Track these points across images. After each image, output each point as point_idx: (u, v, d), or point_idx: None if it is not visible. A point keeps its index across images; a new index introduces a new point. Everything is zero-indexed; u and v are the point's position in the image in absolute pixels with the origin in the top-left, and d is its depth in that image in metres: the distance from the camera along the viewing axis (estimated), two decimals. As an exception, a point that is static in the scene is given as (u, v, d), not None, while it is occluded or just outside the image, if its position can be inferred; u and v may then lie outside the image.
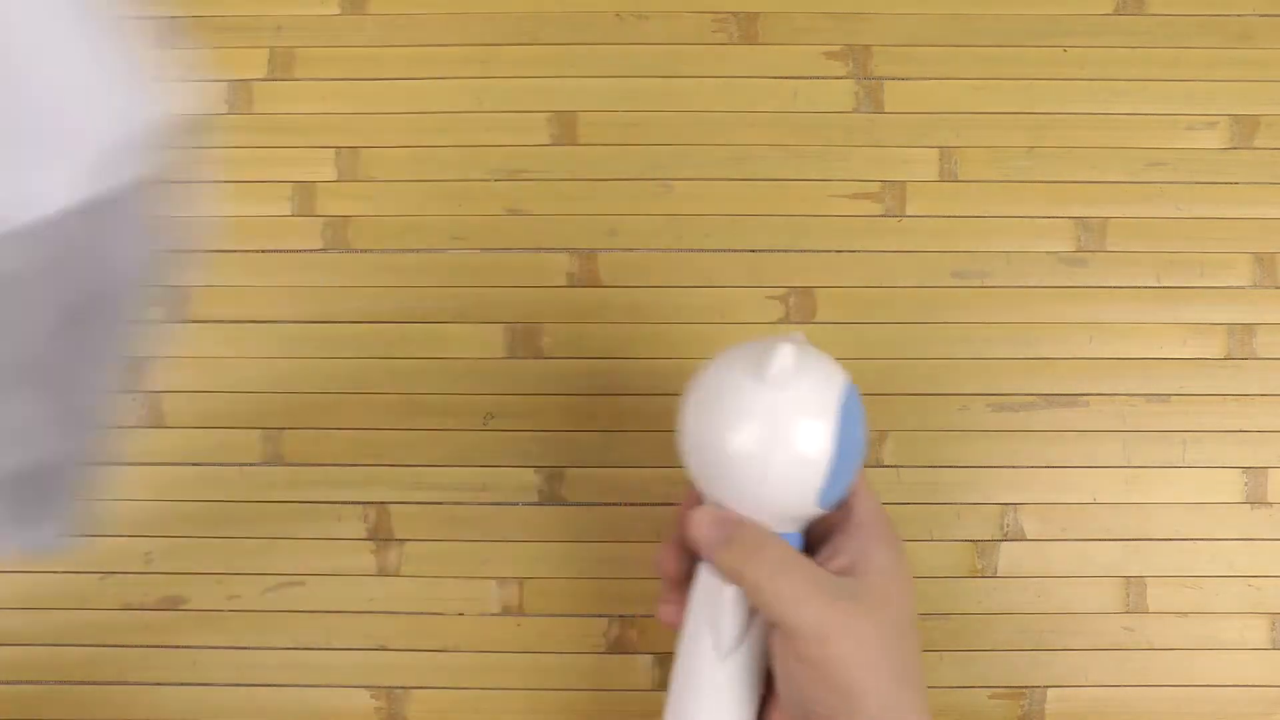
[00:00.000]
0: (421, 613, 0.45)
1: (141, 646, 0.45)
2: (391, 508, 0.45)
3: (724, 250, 0.46)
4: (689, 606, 0.36)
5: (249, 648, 0.45)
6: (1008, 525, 0.45)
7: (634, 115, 0.47)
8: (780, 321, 0.46)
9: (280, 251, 0.47)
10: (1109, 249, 0.46)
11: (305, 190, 0.47)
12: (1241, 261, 0.46)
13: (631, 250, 0.46)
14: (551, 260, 0.46)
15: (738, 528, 0.34)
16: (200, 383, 0.46)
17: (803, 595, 0.32)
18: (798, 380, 0.33)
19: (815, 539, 0.36)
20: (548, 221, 0.47)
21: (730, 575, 0.34)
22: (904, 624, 0.34)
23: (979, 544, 0.45)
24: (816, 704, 0.33)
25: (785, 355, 0.32)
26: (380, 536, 0.45)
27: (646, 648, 0.45)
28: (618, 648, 0.45)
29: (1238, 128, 0.47)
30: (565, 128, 0.47)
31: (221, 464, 0.46)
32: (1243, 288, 0.46)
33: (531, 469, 0.46)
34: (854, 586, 0.33)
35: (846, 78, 0.47)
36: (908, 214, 0.47)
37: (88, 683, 0.45)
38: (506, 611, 0.45)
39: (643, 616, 0.45)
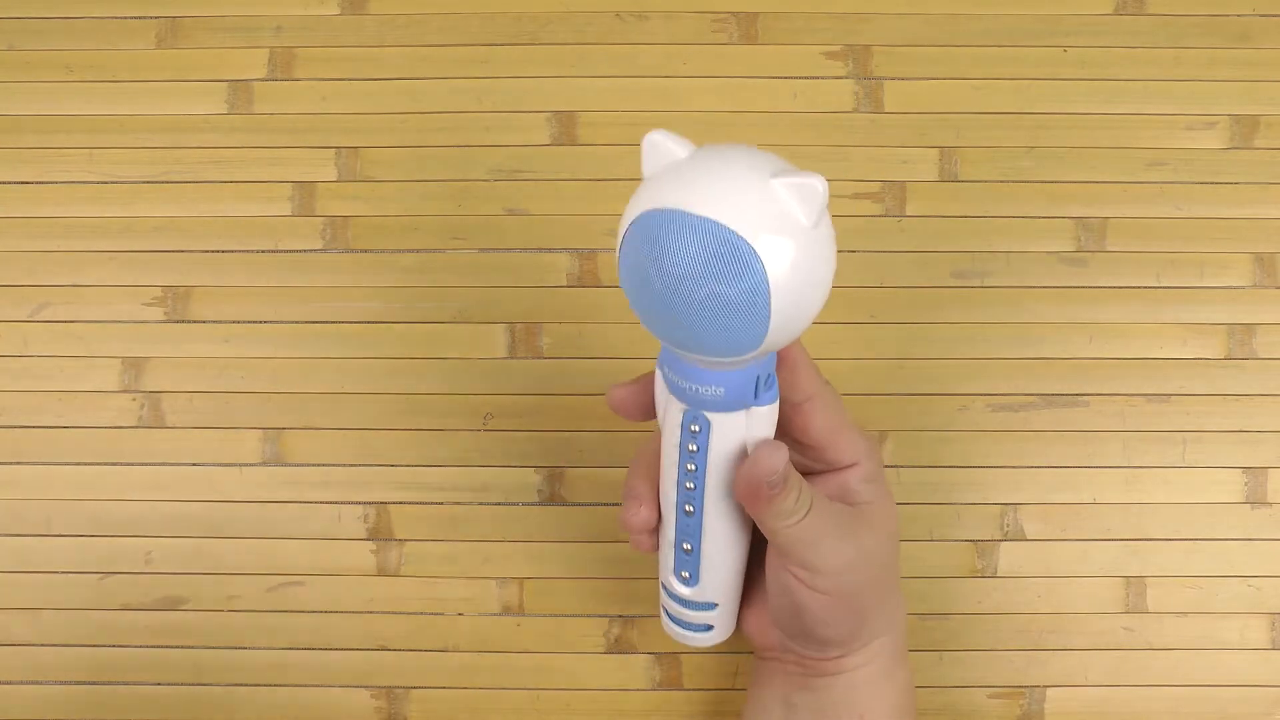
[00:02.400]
0: (421, 613, 0.45)
1: (141, 646, 0.45)
2: (391, 508, 0.45)
3: (724, 250, 0.46)
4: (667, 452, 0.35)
5: (249, 648, 0.45)
6: (1008, 525, 0.45)
7: (634, 115, 0.47)
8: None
9: (280, 251, 0.47)
10: (1109, 249, 0.46)
11: (305, 190, 0.47)
12: (1241, 261, 0.46)
13: (631, 250, 0.46)
14: (551, 260, 0.46)
15: (800, 479, 0.34)
16: (200, 383, 0.46)
17: (822, 535, 0.34)
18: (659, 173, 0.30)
19: (805, 473, 0.37)
20: (548, 221, 0.47)
21: (768, 516, 0.33)
22: (895, 535, 0.37)
23: (979, 544, 0.45)
24: (825, 628, 0.35)
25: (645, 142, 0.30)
26: (380, 536, 0.45)
27: (646, 648, 0.45)
28: (618, 648, 0.45)
29: (1238, 128, 0.47)
30: (565, 128, 0.47)
31: (221, 464, 0.46)
32: (1243, 288, 0.46)
33: (531, 469, 0.46)
34: (855, 514, 0.35)
35: (846, 78, 0.47)
36: (908, 214, 0.47)
37: (88, 683, 0.45)
38: (506, 611, 0.45)
39: (643, 617, 0.45)
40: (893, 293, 0.46)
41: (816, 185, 0.28)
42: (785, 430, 0.35)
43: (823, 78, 0.47)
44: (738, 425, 0.33)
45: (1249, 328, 0.46)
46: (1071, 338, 0.46)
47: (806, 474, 0.36)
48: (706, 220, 0.28)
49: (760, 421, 0.33)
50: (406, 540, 0.45)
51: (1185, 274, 0.46)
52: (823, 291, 0.30)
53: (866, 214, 0.46)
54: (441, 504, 0.46)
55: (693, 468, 0.34)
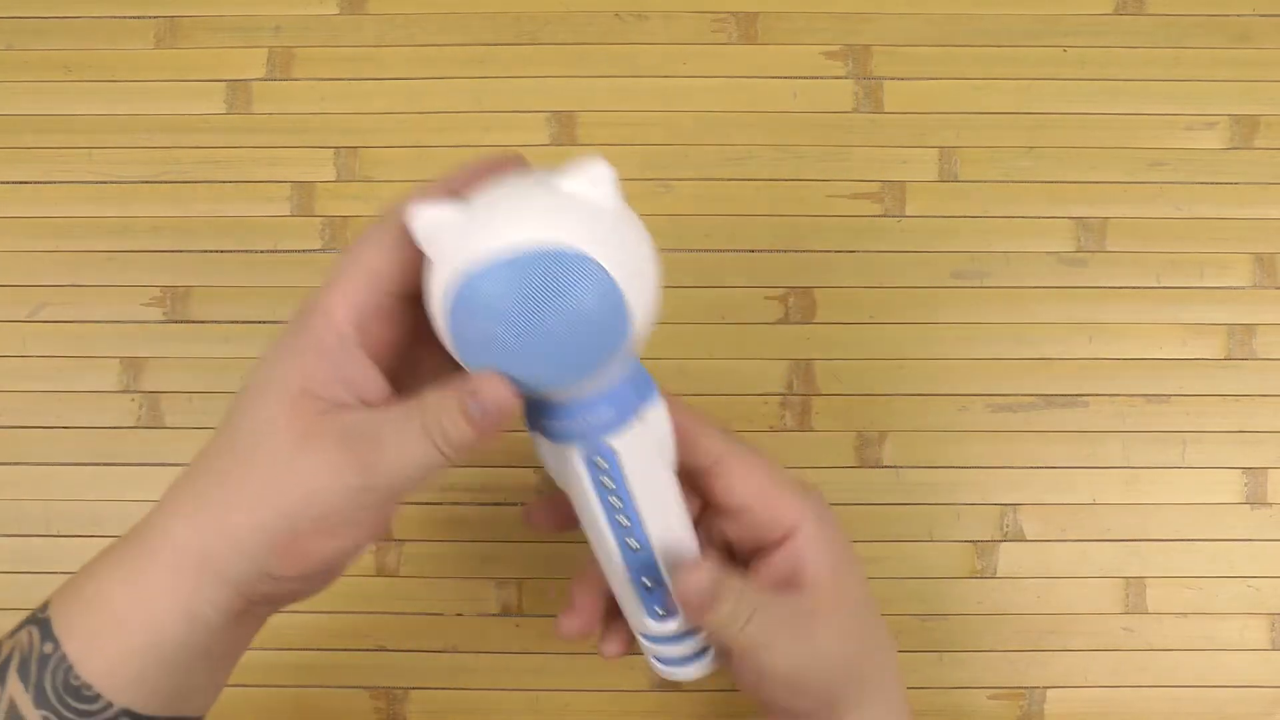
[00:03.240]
0: (421, 613, 0.45)
1: (141, 647, 0.45)
2: (391, 508, 0.45)
3: (724, 250, 0.46)
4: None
5: (249, 648, 0.45)
6: (1008, 525, 0.45)
7: (634, 115, 0.47)
8: (779, 322, 0.46)
9: (280, 251, 0.47)
10: (1109, 249, 0.46)
11: (304, 190, 0.47)
12: (1241, 261, 0.46)
13: (631, 250, 0.46)
14: (551, 260, 0.46)
15: (737, 583, 0.33)
16: (200, 383, 0.46)
17: (772, 637, 0.32)
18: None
19: (749, 552, 0.35)
20: (547, 221, 0.47)
21: (708, 627, 0.33)
22: (860, 609, 0.34)
23: (979, 544, 0.45)
24: (796, 712, 0.34)
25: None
26: (379, 537, 0.45)
27: (646, 648, 0.45)
28: (617, 648, 0.45)
29: (1238, 128, 0.47)
30: (565, 128, 0.47)
31: (221, 464, 0.46)
32: (1243, 288, 0.46)
33: (531, 469, 0.46)
34: (807, 604, 0.33)
35: (846, 78, 0.47)
36: (907, 214, 0.47)
37: (87, 683, 0.45)
38: (506, 611, 0.45)
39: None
40: (893, 293, 0.46)
41: (600, 166, 0.28)
42: (710, 500, 0.34)
43: (823, 78, 0.47)
44: (641, 440, 0.32)
45: (1249, 328, 0.46)
46: (1071, 338, 0.46)
47: (754, 551, 0.35)
48: (528, 253, 0.27)
49: (657, 426, 0.32)
50: (405, 540, 0.45)
51: (1185, 274, 0.46)
52: (655, 264, 0.29)
53: (866, 214, 0.46)
54: (440, 504, 0.45)
55: (618, 503, 0.33)
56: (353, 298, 0.29)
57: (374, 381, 0.30)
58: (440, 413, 0.29)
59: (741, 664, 0.34)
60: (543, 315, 0.27)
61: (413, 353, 0.32)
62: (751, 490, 0.34)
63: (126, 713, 0.28)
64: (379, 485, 0.28)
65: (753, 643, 0.32)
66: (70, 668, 0.28)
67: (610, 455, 0.32)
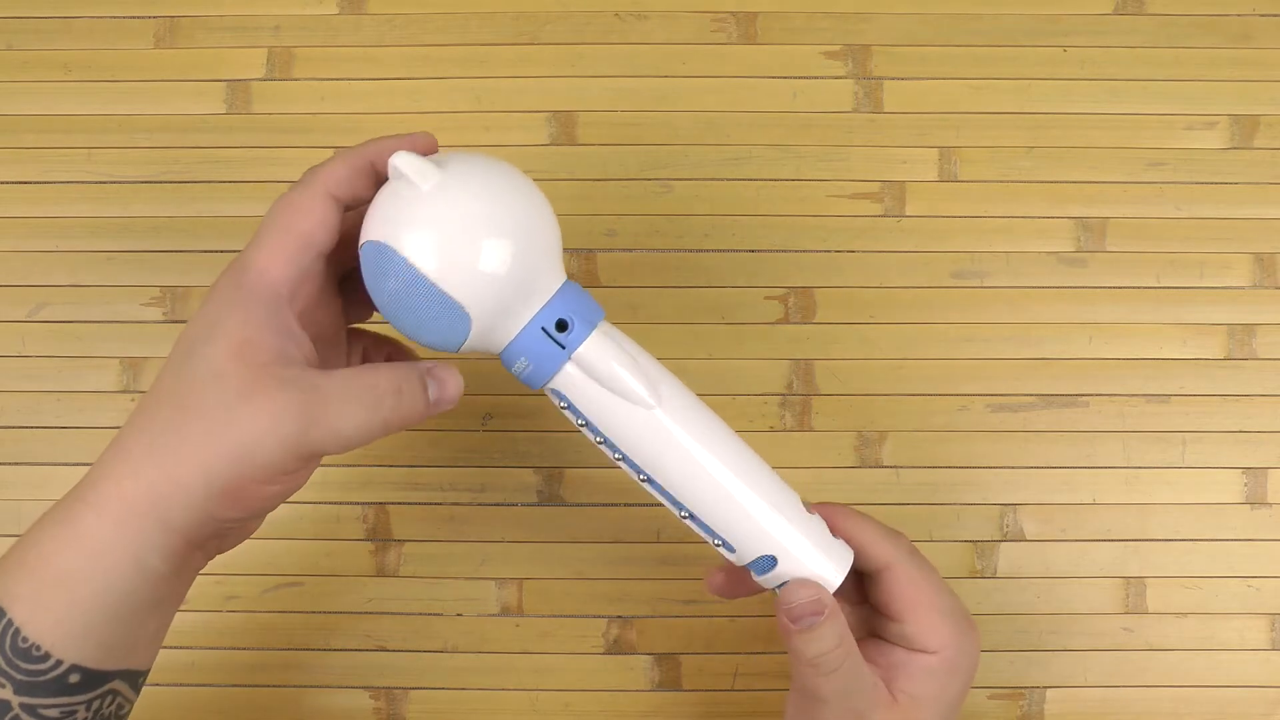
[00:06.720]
0: (420, 613, 0.45)
1: (141, 647, 0.45)
2: (391, 508, 0.45)
3: (724, 250, 0.46)
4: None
5: (249, 648, 0.45)
6: (1008, 525, 0.45)
7: (633, 115, 0.47)
8: (779, 322, 0.46)
9: (279, 251, 0.47)
10: (1109, 249, 0.46)
11: (304, 190, 0.47)
12: (1241, 261, 0.46)
13: (631, 250, 0.46)
14: (551, 260, 0.46)
15: (836, 617, 0.33)
16: (199, 383, 0.46)
17: (841, 700, 0.33)
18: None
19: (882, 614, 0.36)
20: (547, 221, 0.47)
21: (806, 652, 0.33)
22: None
23: (979, 544, 0.45)
24: None
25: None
26: (379, 537, 0.45)
27: (645, 648, 0.45)
28: (617, 648, 0.45)
29: (1238, 128, 0.47)
30: (565, 128, 0.47)
31: (221, 464, 0.46)
32: (1243, 288, 0.46)
33: (530, 469, 0.46)
34: (895, 710, 0.34)
35: (846, 78, 0.47)
36: (907, 214, 0.47)
37: (87, 683, 0.45)
38: (505, 612, 0.45)
39: (642, 617, 0.45)
40: (893, 293, 0.46)
41: (393, 159, 0.31)
42: (870, 599, 0.35)
43: (823, 78, 0.47)
44: (584, 378, 0.33)
45: (1249, 328, 0.46)
46: (1071, 338, 0.46)
47: (880, 636, 0.35)
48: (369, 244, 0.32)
49: (599, 366, 0.34)
50: (405, 541, 0.45)
51: (1185, 274, 0.46)
52: (490, 224, 0.31)
53: (866, 214, 0.46)
54: (440, 504, 0.45)
55: (599, 440, 0.34)
56: (287, 260, 0.31)
57: (305, 340, 0.31)
58: (402, 382, 0.31)
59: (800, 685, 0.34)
60: (380, 297, 0.32)
61: (320, 317, 0.34)
62: (903, 603, 0.35)
63: (76, 668, 0.29)
64: (315, 442, 0.30)
65: (821, 692, 0.33)
66: (18, 631, 0.28)
67: (563, 396, 0.34)
